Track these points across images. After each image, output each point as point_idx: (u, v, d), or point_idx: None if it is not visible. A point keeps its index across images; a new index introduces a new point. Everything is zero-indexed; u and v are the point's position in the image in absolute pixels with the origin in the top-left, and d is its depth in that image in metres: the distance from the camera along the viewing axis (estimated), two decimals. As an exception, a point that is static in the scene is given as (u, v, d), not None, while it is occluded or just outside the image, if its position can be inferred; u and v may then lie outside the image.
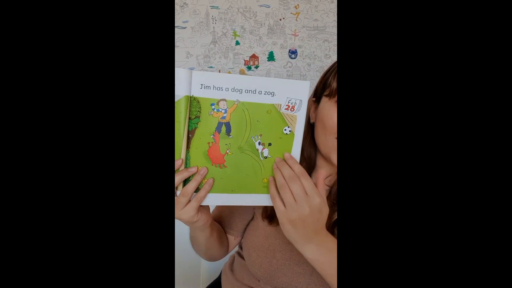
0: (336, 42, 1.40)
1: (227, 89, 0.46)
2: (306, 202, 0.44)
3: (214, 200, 0.51)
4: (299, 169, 0.47)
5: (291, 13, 1.37)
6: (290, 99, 0.48)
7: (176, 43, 1.31)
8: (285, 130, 0.50)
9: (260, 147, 0.49)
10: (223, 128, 0.48)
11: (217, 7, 1.32)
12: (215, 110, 0.47)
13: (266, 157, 0.50)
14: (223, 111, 0.47)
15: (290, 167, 0.47)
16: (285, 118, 0.49)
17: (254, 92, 0.47)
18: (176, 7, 1.29)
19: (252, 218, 0.66)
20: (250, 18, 1.35)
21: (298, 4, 1.36)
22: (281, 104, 0.49)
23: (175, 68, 0.42)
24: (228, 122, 0.48)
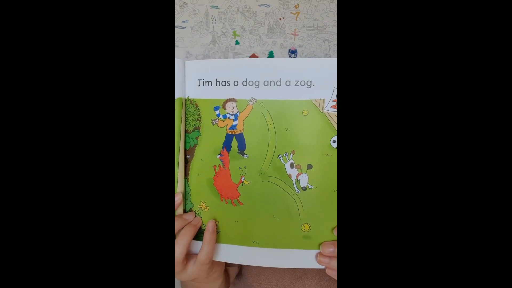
0: (336, 42, 1.41)
1: (236, 83, 0.30)
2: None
3: (228, 256, 0.33)
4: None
5: (291, 12, 1.37)
6: None
7: (176, 43, 1.31)
8: (335, 142, 0.30)
9: (293, 172, 0.31)
10: (234, 143, 0.31)
11: (217, 6, 1.32)
12: (221, 116, 0.31)
13: (304, 188, 0.31)
14: (233, 117, 0.31)
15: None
16: (331, 122, 0.30)
17: (279, 83, 0.30)
18: (176, 6, 1.29)
19: None
20: (250, 18, 1.35)
21: (298, 4, 1.36)
22: (324, 100, 0.30)
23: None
24: (241, 134, 0.31)
